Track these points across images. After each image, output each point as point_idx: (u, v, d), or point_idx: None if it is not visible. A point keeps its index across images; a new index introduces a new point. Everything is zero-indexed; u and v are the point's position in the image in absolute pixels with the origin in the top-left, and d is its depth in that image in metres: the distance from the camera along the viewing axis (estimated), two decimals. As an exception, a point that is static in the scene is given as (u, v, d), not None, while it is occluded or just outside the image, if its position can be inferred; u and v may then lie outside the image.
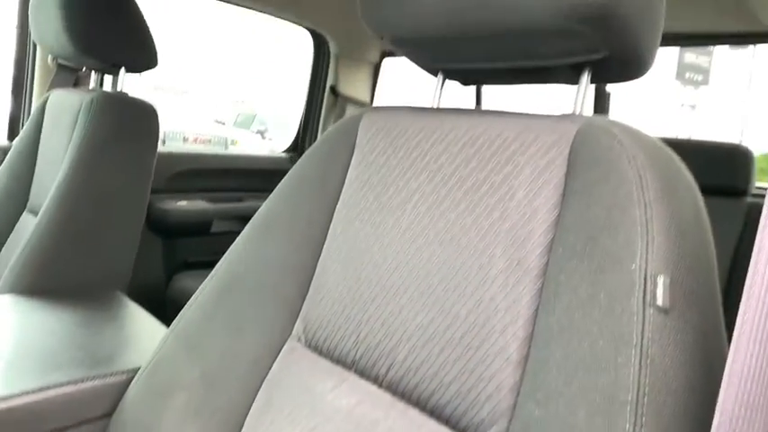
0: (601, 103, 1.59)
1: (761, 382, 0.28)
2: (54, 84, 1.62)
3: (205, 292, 0.72)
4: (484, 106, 0.79)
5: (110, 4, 1.25)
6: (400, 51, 0.73)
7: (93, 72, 1.53)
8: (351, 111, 2.46)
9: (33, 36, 1.44)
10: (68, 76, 1.64)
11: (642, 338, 0.38)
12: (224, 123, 9.94)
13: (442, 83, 0.75)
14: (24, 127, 1.44)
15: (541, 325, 0.46)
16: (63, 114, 1.30)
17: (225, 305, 0.70)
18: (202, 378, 0.63)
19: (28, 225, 1.27)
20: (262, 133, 9.78)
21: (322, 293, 0.67)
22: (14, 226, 1.35)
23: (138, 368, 0.73)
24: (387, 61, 2.48)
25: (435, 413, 0.51)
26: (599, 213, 0.47)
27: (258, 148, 9.37)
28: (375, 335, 0.58)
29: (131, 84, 1.33)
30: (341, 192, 0.71)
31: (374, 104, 2.57)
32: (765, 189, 1.51)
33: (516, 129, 0.58)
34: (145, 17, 1.29)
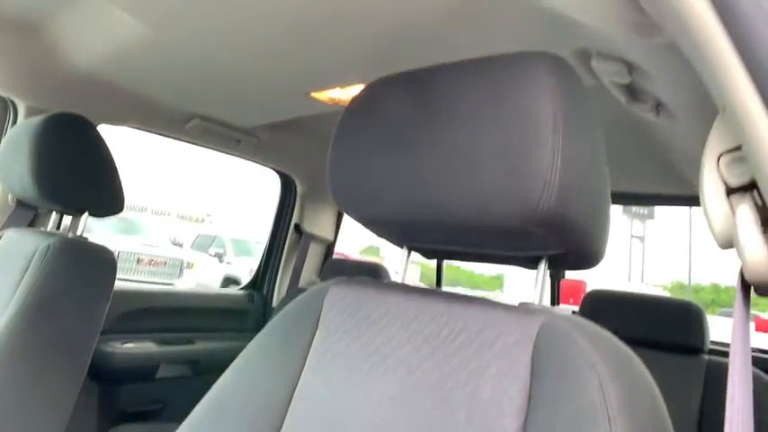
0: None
1: None
2: (10, 221, 1.58)
3: None
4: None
5: (81, 150, 1.27)
6: (367, 227, 0.76)
7: (53, 213, 1.52)
8: (314, 248, 2.48)
9: (3, 183, 1.44)
10: (27, 213, 1.61)
11: None
12: (182, 245, 9.81)
13: (407, 256, 0.77)
14: None
15: None
16: (15, 256, 1.24)
17: None
18: None
19: None
20: (220, 256, 9.62)
21: None
22: None
23: None
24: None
25: None
26: (564, 426, 0.48)
27: (215, 272, 9.19)
28: None
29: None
30: (301, 373, 0.68)
31: (336, 242, 2.62)
32: (720, 345, 1.55)
33: (479, 321, 0.59)
34: (115, 160, 1.32)
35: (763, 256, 0.43)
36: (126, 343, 1.83)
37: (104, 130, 1.49)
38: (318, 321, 0.70)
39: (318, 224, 2.47)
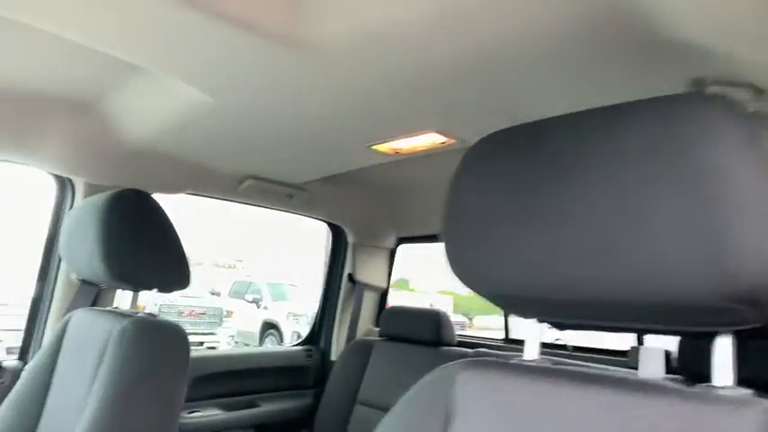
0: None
1: None
2: (76, 301, 1.57)
3: None
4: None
5: (147, 226, 1.24)
6: (492, 301, 0.68)
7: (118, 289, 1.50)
8: (367, 297, 2.42)
9: (62, 255, 1.41)
10: (91, 291, 1.59)
11: None
12: (219, 294, 9.83)
13: (539, 330, 0.69)
14: (41, 350, 1.33)
15: None
16: (89, 340, 1.21)
17: None
18: None
19: None
20: (257, 302, 9.63)
21: None
22: None
23: None
24: (402, 247, 2.51)
25: None
26: None
27: (254, 317, 9.17)
28: None
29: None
30: None
31: (389, 289, 2.55)
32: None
33: (674, 419, 0.50)
34: (177, 233, 1.28)
35: None
36: (193, 412, 1.79)
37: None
38: (452, 411, 0.63)
39: (371, 272, 2.42)
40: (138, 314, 1.24)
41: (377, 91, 1.10)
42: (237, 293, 9.83)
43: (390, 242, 2.45)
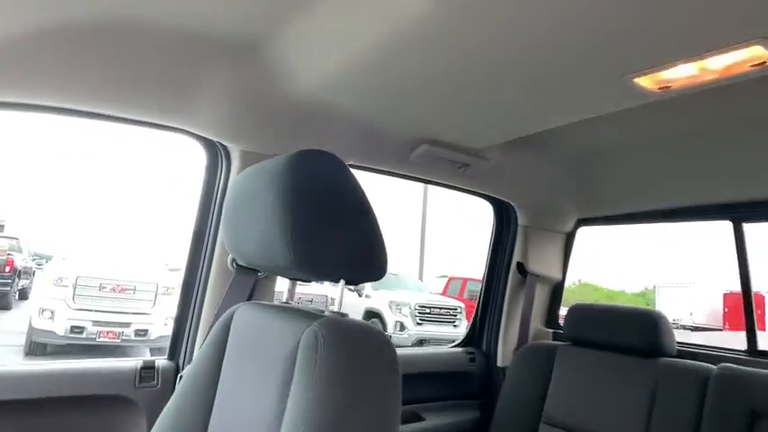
0: None
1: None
2: (232, 293, 1.30)
3: None
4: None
5: (343, 209, 0.88)
6: None
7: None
8: (540, 290, 2.00)
9: (224, 237, 1.10)
10: (248, 280, 1.33)
11: None
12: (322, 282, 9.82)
13: None
14: (201, 353, 1.04)
15: None
16: (263, 346, 0.90)
17: None
18: None
19: None
20: (359, 291, 9.55)
21: None
22: None
23: None
24: (582, 231, 2.06)
25: None
26: None
27: (357, 305, 9.07)
28: None
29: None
30: None
31: (566, 281, 2.11)
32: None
33: None
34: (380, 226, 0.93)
35: None
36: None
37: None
38: None
39: (544, 261, 1.99)
40: (325, 313, 0.92)
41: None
42: (340, 281, 9.79)
43: (568, 224, 2.01)
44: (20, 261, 8.64)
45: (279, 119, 1.24)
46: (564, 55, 0.96)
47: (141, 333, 6.32)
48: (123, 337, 6.20)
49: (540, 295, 2.02)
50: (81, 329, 5.97)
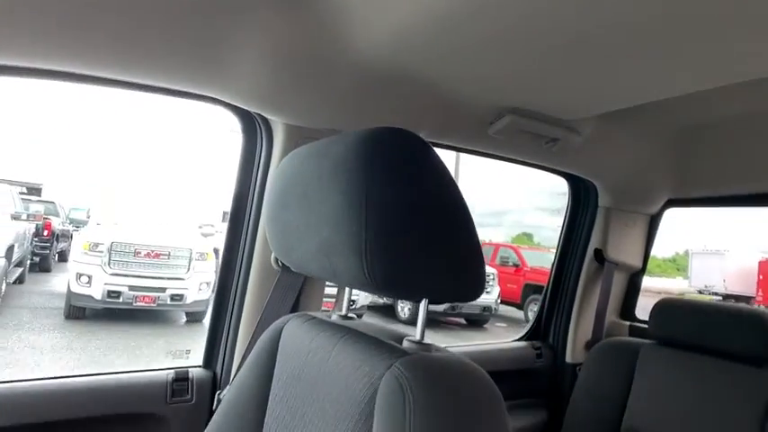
0: None
1: None
2: (276, 298, 1.10)
3: None
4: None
5: (428, 206, 0.64)
6: None
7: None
8: (617, 277, 1.75)
9: (267, 233, 0.88)
10: (295, 280, 1.12)
11: None
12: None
13: None
14: (242, 373, 0.84)
15: None
16: (322, 381, 0.70)
17: None
18: None
19: None
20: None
21: None
22: None
23: None
24: (670, 213, 1.78)
25: None
26: None
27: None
28: None
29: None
30: None
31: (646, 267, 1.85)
32: None
33: None
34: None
35: None
36: None
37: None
38: None
39: (624, 247, 1.74)
40: (406, 341, 0.70)
41: None
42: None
43: (656, 205, 1.74)
44: (57, 224, 8.76)
45: (334, 86, 1.01)
46: (705, 7, 0.70)
47: (177, 298, 6.37)
48: (159, 302, 6.26)
49: (617, 283, 1.77)
50: (118, 294, 6.04)
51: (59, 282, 7.36)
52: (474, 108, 1.14)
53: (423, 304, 0.69)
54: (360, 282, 0.63)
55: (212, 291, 6.72)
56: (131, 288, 6.11)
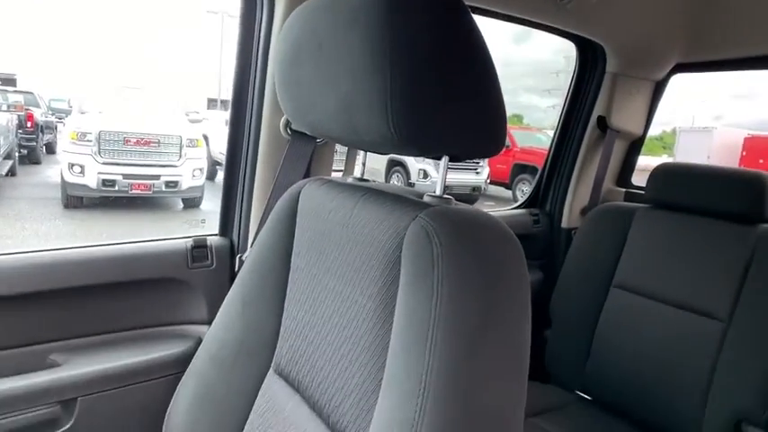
0: None
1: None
2: (289, 160, 1.11)
3: None
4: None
5: (454, 63, 0.62)
6: None
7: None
8: (617, 145, 1.77)
9: (278, 92, 0.85)
10: (306, 146, 1.13)
11: None
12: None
13: None
14: (261, 237, 0.87)
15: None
16: (345, 236, 0.73)
17: None
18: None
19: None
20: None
21: None
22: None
23: None
24: (676, 78, 1.75)
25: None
26: None
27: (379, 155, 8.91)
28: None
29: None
30: None
31: (646, 134, 1.86)
32: None
33: None
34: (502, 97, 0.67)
35: None
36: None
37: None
38: None
39: (627, 114, 1.73)
40: (427, 196, 0.73)
41: None
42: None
43: (662, 71, 1.70)
44: (39, 115, 8.50)
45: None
46: None
47: (172, 185, 6.42)
48: (155, 190, 6.31)
49: (616, 151, 1.80)
50: (112, 183, 6.06)
51: (53, 173, 7.33)
52: None
53: (444, 161, 0.70)
54: (383, 138, 0.62)
55: (206, 177, 6.78)
56: (125, 177, 6.13)
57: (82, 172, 5.93)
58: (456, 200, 0.74)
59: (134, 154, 6.27)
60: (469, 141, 0.65)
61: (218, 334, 0.85)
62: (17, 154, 7.47)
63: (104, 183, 6.02)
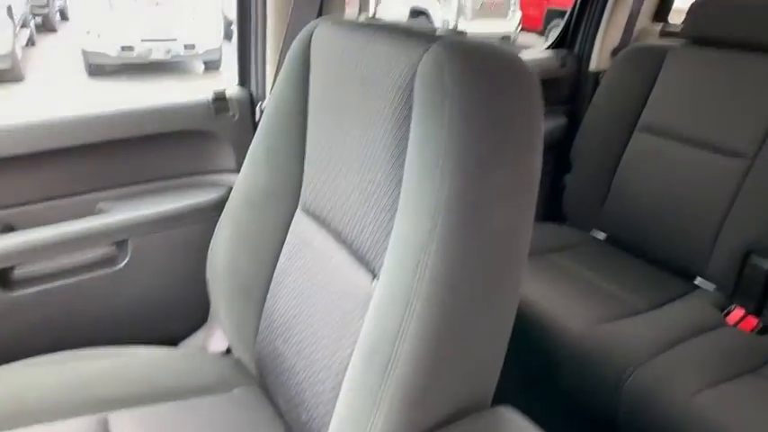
0: None
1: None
2: (298, 2, 1.08)
3: None
4: None
5: None
6: None
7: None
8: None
9: None
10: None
11: None
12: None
13: None
14: (280, 79, 0.88)
15: None
16: (360, 72, 0.73)
17: None
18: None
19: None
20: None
21: None
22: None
23: None
24: None
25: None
26: None
27: (403, 3, 8.34)
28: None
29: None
30: None
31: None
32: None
33: None
34: None
35: None
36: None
37: None
38: None
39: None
40: (440, 30, 0.71)
41: None
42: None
43: None
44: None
45: None
46: None
47: (189, 47, 6.34)
48: (173, 54, 6.21)
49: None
50: (131, 48, 5.99)
51: (71, 43, 7.20)
52: None
53: None
54: None
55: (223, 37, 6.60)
56: (143, 40, 6.02)
57: (99, 37, 5.86)
58: None
59: (148, 14, 6.18)
60: None
61: (247, 180, 0.91)
62: (32, 22, 7.30)
63: (123, 49, 5.98)
